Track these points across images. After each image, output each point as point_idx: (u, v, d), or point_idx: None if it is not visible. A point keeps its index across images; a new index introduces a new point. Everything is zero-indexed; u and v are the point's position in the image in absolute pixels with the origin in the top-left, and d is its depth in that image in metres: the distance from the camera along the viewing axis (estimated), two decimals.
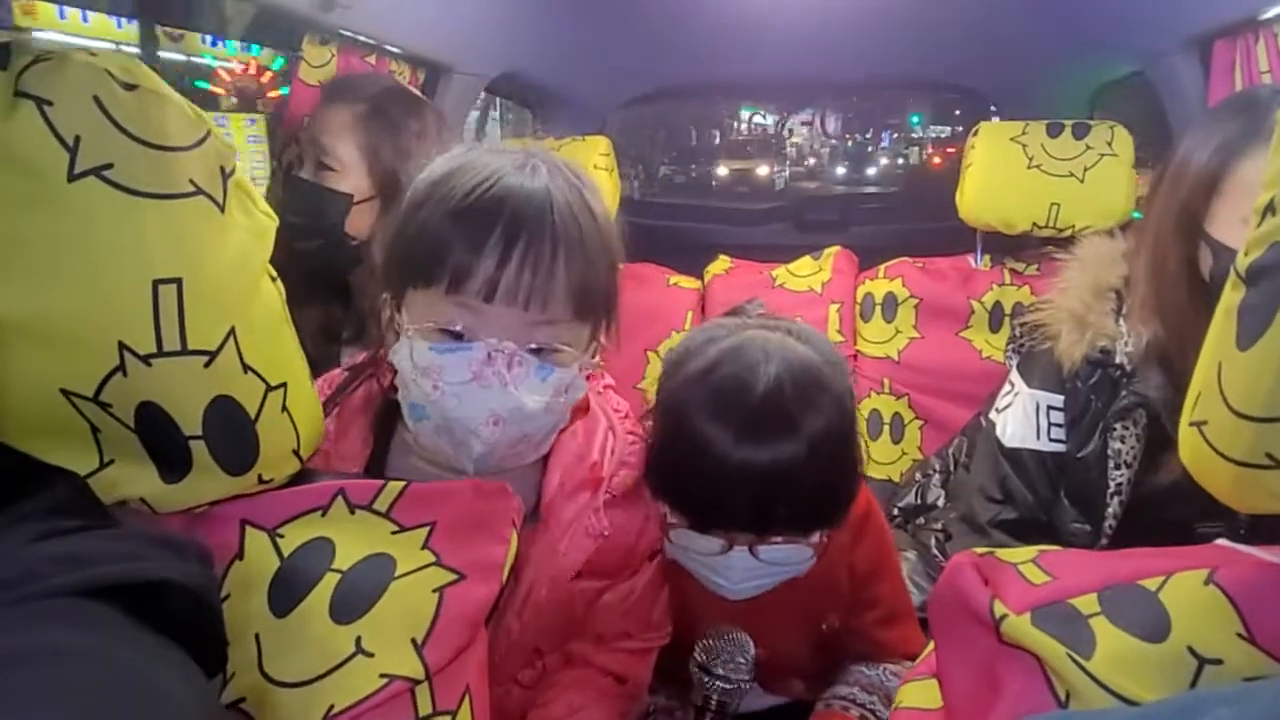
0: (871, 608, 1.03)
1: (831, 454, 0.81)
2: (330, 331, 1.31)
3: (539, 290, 0.69)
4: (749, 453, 0.78)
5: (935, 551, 1.41)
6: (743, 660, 0.87)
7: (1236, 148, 0.96)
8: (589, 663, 0.90)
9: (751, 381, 0.79)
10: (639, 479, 0.88)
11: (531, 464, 0.81)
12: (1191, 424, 0.56)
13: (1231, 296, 0.52)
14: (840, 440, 0.83)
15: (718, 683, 0.86)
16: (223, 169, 0.56)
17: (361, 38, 1.48)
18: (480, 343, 0.69)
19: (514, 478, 0.71)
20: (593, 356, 0.78)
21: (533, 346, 0.71)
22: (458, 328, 0.70)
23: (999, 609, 0.55)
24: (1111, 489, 1.04)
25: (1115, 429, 1.04)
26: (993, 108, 2.50)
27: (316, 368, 0.71)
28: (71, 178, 0.49)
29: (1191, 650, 0.51)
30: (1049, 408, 1.10)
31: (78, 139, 0.50)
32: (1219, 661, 0.50)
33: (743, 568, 0.86)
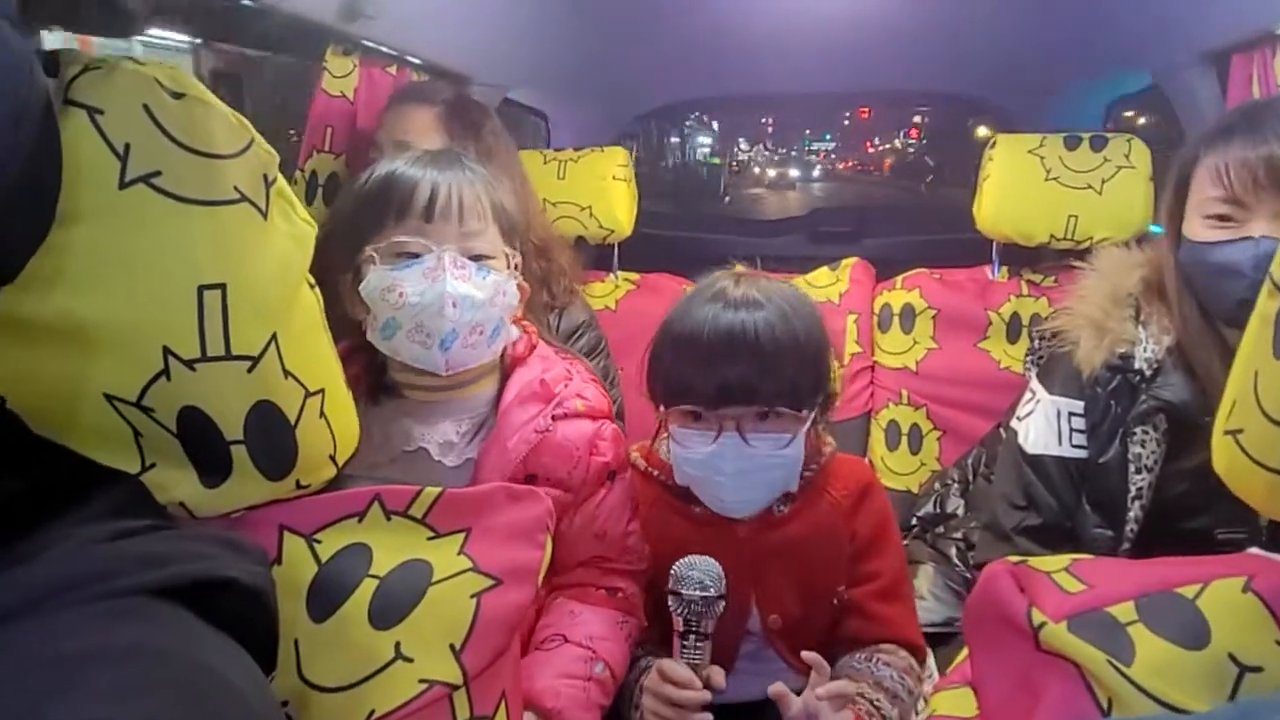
0: (871, 580, 1.08)
1: (800, 328, 0.98)
2: None
3: (469, 208, 0.90)
4: (729, 318, 0.96)
5: (956, 561, 1.40)
6: (709, 580, 0.91)
7: (1204, 144, 0.98)
8: (579, 583, 1.01)
9: (727, 283, 1.01)
10: (592, 408, 1.00)
11: (491, 381, 0.98)
12: (1227, 432, 0.56)
13: (1268, 305, 0.52)
14: (808, 318, 1.01)
15: (685, 600, 0.90)
16: (265, 176, 0.57)
17: (384, 48, 1.50)
18: (429, 254, 0.87)
19: (479, 399, 0.96)
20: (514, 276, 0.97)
21: (470, 254, 0.90)
22: (411, 247, 0.88)
23: (1037, 617, 0.55)
24: (1133, 493, 1.04)
25: (1135, 434, 1.04)
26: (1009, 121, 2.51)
27: None
28: (122, 185, 0.50)
29: (1232, 657, 0.51)
30: (1070, 414, 1.10)
31: (128, 147, 0.51)
32: (1259, 669, 0.50)
33: (735, 456, 0.96)
